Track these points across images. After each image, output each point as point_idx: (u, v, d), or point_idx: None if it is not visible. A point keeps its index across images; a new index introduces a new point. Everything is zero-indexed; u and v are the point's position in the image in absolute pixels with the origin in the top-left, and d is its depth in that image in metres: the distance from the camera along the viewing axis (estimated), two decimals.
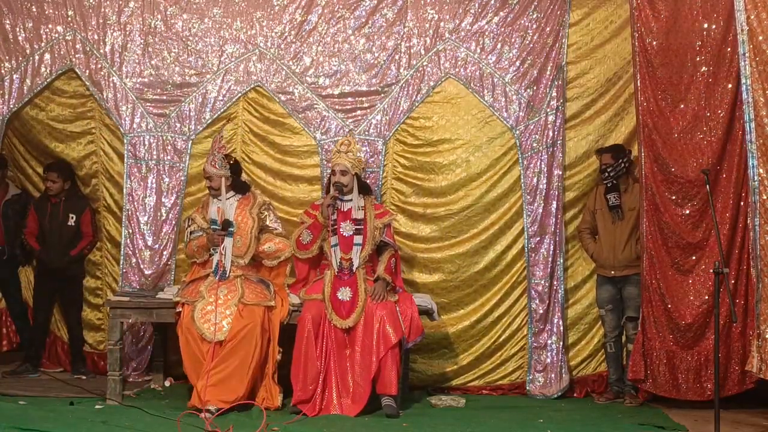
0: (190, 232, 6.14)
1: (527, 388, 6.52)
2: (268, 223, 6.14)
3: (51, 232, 6.71)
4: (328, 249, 6.01)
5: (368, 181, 6.42)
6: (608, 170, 6.27)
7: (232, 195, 6.11)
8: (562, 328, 6.55)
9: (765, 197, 5.35)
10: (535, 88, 6.64)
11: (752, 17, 5.42)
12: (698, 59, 5.83)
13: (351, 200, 6.04)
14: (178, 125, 6.77)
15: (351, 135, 6.36)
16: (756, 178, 5.40)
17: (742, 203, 5.67)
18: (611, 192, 6.27)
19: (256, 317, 5.70)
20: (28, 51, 6.76)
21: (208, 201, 6.16)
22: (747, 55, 5.45)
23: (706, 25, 5.80)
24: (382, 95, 6.74)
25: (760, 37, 5.37)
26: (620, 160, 6.26)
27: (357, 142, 6.25)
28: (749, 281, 5.58)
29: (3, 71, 6.74)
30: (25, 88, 6.75)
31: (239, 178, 6.22)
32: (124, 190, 6.73)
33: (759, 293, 5.40)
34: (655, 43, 6.00)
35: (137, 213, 6.70)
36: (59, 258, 6.68)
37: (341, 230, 5.99)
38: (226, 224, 5.92)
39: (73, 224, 6.70)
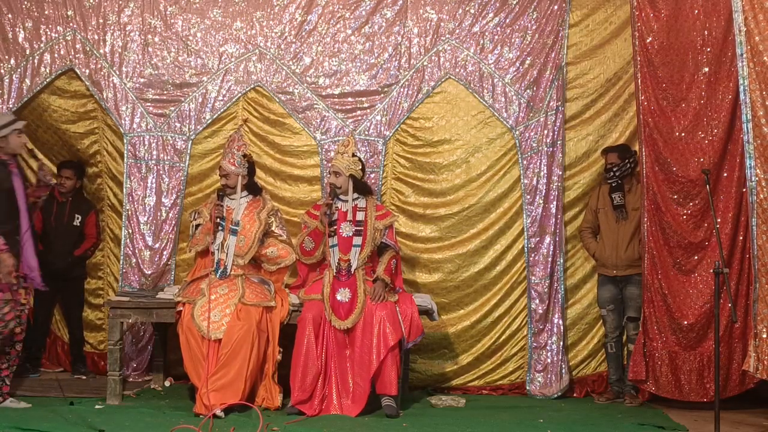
0: (196, 226, 6.15)
1: (527, 388, 6.53)
2: (273, 228, 6.14)
3: (55, 232, 6.70)
4: (327, 249, 6.01)
5: (368, 182, 6.41)
6: (614, 170, 6.27)
7: (244, 195, 6.11)
8: (562, 328, 6.55)
9: (762, 197, 5.36)
10: (534, 88, 6.65)
11: (750, 18, 5.43)
12: (699, 58, 5.85)
13: (353, 200, 6.04)
14: (178, 125, 6.77)
15: (351, 136, 6.36)
16: (753, 178, 5.41)
17: (744, 203, 5.67)
18: (615, 191, 6.28)
19: (252, 319, 5.70)
20: (27, 51, 6.75)
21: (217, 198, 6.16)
22: (745, 55, 5.45)
23: (707, 24, 5.81)
24: (382, 95, 6.75)
25: (757, 38, 5.38)
26: (626, 160, 6.27)
27: (356, 143, 6.25)
28: (750, 281, 5.58)
29: (2, 71, 6.73)
30: (24, 88, 6.74)
31: (252, 179, 6.22)
32: (124, 190, 6.72)
33: (756, 293, 5.41)
34: (655, 42, 6.01)
35: (137, 213, 6.70)
36: (62, 258, 6.67)
37: (340, 231, 5.99)
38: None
39: (78, 224, 6.70)
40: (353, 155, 6.03)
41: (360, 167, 6.07)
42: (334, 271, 5.93)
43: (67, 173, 6.66)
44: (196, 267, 6.22)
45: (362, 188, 6.10)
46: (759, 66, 5.38)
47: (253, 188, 6.18)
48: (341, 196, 6.04)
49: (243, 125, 6.60)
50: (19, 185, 5.55)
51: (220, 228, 5.96)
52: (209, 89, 6.78)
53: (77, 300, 6.84)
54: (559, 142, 6.61)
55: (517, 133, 6.65)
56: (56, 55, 6.76)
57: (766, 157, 5.34)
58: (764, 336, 5.31)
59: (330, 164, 6.15)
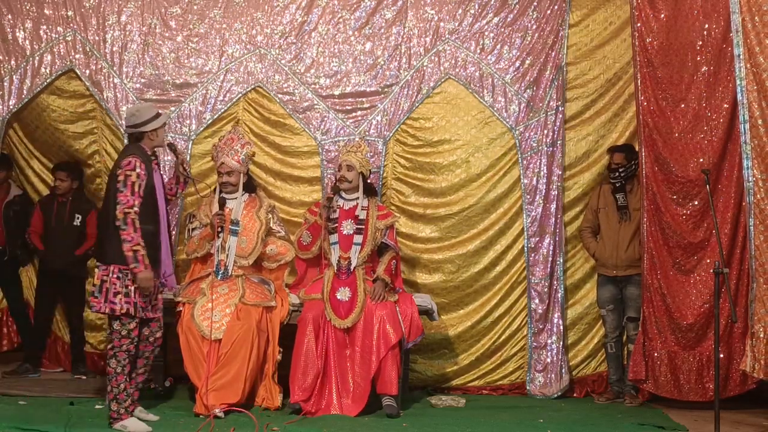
0: (192, 229, 6.15)
1: (527, 388, 6.53)
2: (272, 225, 6.15)
3: (56, 232, 6.71)
4: (328, 247, 6.02)
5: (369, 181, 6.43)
6: (620, 170, 6.27)
7: (242, 194, 6.12)
8: (562, 328, 6.56)
9: (759, 197, 5.36)
10: (534, 88, 6.65)
11: (746, 19, 5.43)
12: (699, 59, 5.85)
13: (356, 199, 6.05)
14: (179, 125, 6.77)
15: (362, 140, 6.42)
16: (750, 179, 5.41)
17: (743, 203, 5.67)
18: (619, 192, 6.28)
19: (252, 319, 5.71)
20: (28, 51, 6.76)
21: (211, 200, 6.16)
22: (741, 56, 5.45)
23: (706, 25, 5.81)
24: (382, 96, 6.75)
25: (753, 40, 5.39)
26: (632, 162, 6.26)
27: (367, 147, 6.30)
28: (750, 281, 5.58)
29: (3, 72, 6.74)
30: (24, 88, 6.75)
31: (249, 176, 6.24)
32: None
33: (753, 293, 5.41)
34: (655, 42, 6.01)
35: None
36: (63, 258, 6.68)
37: (342, 229, 6.00)
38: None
39: (78, 224, 6.71)
40: (365, 155, 6.12)
41: (369, 168, 6.16)
42: (335, 268, 5.94)
43: (61, 175, 6.66)
44: (193, 268, 6.22)
45: (368, 188, 6.15)
46: (755, 67, 5.38)
47: (249, 187, 6.19)
48: (344, 194, 6.06)
49: (236, 126, 6.60)
50: (159, 183, 5.30)
51: (219, 232, 5.96)
52: (210, 89, 6.79)
53: (78, 300, 6.84)
54: (559, 142, 6.61)
55: (517, 133, 6.65)
56: (56, 56, 6.77)
57: (762, 157, 5.34)
58: (761, 335, 5.31)
59: (341, 160, 6.13)
